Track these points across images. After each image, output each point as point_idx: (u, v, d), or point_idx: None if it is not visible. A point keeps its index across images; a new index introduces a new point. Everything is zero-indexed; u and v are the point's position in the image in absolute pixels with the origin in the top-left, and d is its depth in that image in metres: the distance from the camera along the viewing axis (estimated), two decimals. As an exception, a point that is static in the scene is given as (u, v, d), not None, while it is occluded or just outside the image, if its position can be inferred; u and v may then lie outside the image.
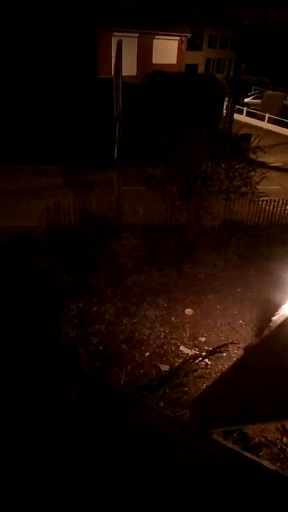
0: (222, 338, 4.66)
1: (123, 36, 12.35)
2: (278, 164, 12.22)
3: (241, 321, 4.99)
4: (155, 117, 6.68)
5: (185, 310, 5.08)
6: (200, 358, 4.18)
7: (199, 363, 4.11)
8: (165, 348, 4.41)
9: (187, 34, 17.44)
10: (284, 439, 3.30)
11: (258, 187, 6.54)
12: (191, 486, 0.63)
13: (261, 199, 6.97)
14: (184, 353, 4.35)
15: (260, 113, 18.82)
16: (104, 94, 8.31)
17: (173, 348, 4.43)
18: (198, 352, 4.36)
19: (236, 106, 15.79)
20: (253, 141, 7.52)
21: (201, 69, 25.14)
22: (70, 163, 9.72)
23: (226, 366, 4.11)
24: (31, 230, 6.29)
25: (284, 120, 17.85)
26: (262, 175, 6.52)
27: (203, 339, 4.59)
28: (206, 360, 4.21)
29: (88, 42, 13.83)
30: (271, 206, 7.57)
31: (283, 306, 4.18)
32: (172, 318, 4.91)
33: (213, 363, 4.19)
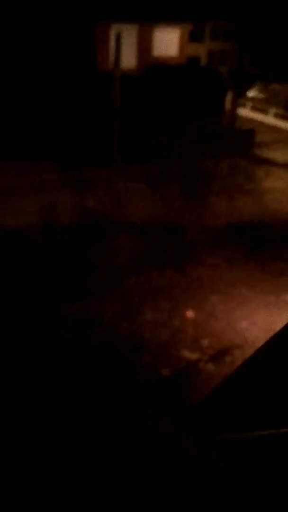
0: (225, 341, 4.52)
1: (122, 28, 12.07)
2: (284, 160, 11.96)
3: (245, 324, 4.83)
4: (156, 112, 6.49)
5: (187, 312, 4.94)
6: (203, 363, 4.08)
7: (202, 367, 4.01)
8: (166, 352, 4.28)
9: (189, 26, 17.08)
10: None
11: (262, 183, 6.35)
12: (193, 493, 0.56)
13: (265, 197, 6.77)
14: (186, 357, 4.22)
15: (264, 107, 18.47)
16: (103, 88, 8.09)
17: (174, 352, 4.29)
18: (200, 356, 4.23)
19: (240, 100, 15.45)
20: (257, 136, 7.29)
21: (203, 61, 24.72)
22: (68, 160, 9.54)
23: (229, 371, 3.96)
24: (27, 228, 6.16)
25: (288, 114, 17.45)
26: (267, 172, 6.31)
27: (205, 342, 4.45)
28: (209, 364, 4.09)
29: (86, 34, 13.56)
30: (276, 204, 7.36)
31: None
32: (173, 321, 4.77)
33: (216, 367, 4.06)
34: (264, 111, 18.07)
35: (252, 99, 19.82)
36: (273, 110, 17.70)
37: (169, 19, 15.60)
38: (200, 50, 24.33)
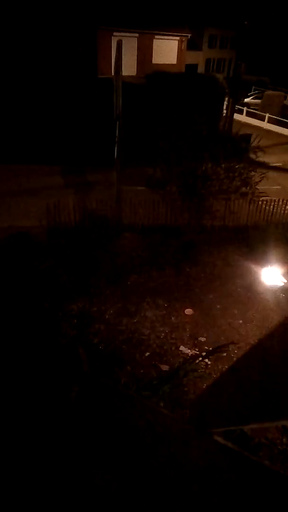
0: (222, 338, 4.65)
1: (123, 36, 12.37)
2: (278, 164, 12.21)
3: (241, 321, 4.98)
4: (155, 117, 6.68)
5: (185, 310, 5.08)
6: (200, 358, 4.19)
7: (199, 363, 4.13)
8: (165, 348, 4.40)
9: (187, 34, 17.46)
10: (284, 439, 3.30)
11: (258, 187, 6.55)
12: (191, 486, 0.62)
13: (261, 199, 6.97)
14: (184, 353, 4.34)
15: (260, 113, 18.84)
16: (104, 94, 8.31)
17: (173, 348, 4.42)
18: (198, 352, 4.35)
19: (236, 106, 15.79)
20: (253, 141, 7.52)
21: (201, 69, 25.17)
22: (70, 163, 9.72)
23: (226, 366, 4.10)
24: (31, 230, 6.28)
25: (284, 120, 17.86)
26: (262, 175, 6.52)
27: (203, 339, 4.59)
28: (206, 360, 4.21)
29: (88, 42, 13.83)
30: (271, 206, 7.57)
31: None
32: (172, 318, 4.91)
33: (213, 363, 4.18)
34: (260, 117, 18.43)
35: (248, 104, 20.21)
36: (268, 116, 18.06)
37: (168, 26, 15.94)
38: (198, 58, 24.81)
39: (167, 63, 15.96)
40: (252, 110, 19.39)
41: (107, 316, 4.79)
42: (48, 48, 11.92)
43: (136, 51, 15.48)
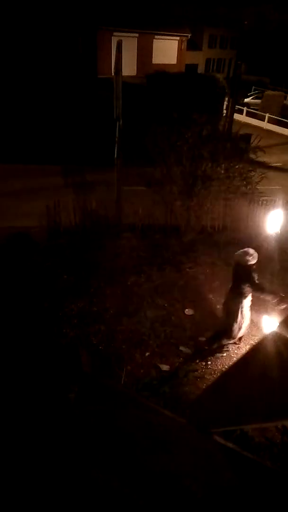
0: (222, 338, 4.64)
1: (123, 36, 12.38)
2: (278, 164, 12.24)
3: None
4: (155, 117, 6.69)
5: (185, 310, 5.08)
6: (200, 358, 4.19)
7: (199, 363, 4.13)
8: (165, 348, 4.41)
9: (187, 34, 17.49)
10: (284, 439, 3.30)
11: (258, 187, 6.55)
12: (191, 486, 0.62)
13: (261, 199, 6.98)
14: (184, 353, 4.35)
15: (260, 113, 18.89)
16: (104, 94, 8.33)
17: (173, 348, 4.43)
18: (197, 352, 4.36)
19: (236, 106, 15.81)
20: (253, 141, 7.54)
21: (201, 69, 25.22)
22: (70, 163, 9.75)
23: (226, 367, 4.11)
24: (31, 230, 6.30)
25: (284, 120, 17.90)
26: (262, 175, 6.52)
27: (203, 339, 4.59)
28: (206, 360, 4.22)
29: (88, 42, 13.85)
30: (271, 206, 7.57)
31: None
32: (172, 318, 4.91)
33: (213, 363, 4.19)
34: (260, 117, 18.46)
35: (248, 104, 20.25)
36: (268, 116, 18.09)
37: (168, 26, 15.95)
38: (198, 58, 24.85)
39: (167, 63, 15.97)
40: (252, 110, 19.45)
41: (107, 316, 4.80)
42: (48, 48, 11.93)
43: (136, 51, 15.49)
